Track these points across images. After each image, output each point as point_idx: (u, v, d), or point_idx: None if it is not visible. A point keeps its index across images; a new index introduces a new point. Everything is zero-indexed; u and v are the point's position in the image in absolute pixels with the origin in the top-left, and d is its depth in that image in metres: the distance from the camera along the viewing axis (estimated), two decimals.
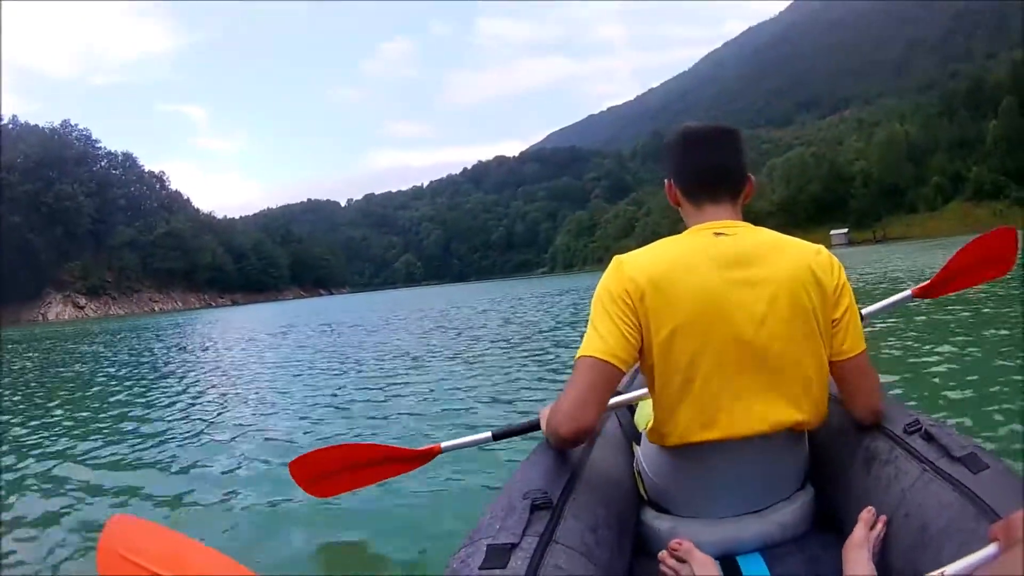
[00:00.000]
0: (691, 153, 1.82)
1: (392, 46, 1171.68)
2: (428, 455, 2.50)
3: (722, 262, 1.64)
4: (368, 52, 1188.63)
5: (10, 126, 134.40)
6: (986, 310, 8.76)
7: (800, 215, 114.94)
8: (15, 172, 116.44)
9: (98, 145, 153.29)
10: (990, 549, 1.01)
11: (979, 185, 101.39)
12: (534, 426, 2.25)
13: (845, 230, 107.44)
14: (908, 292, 2.66)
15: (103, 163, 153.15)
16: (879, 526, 1.55)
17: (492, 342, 11.53)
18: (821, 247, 1.74)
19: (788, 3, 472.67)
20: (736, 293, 1.61)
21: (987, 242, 2.68)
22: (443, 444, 2.49)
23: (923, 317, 8.50)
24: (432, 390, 7.29)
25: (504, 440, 2.47)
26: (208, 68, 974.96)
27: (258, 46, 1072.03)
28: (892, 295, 2.67)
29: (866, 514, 1.57)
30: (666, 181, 1.89)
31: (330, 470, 2.51)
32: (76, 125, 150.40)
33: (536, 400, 6.12)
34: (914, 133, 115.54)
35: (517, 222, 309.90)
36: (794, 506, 1.77)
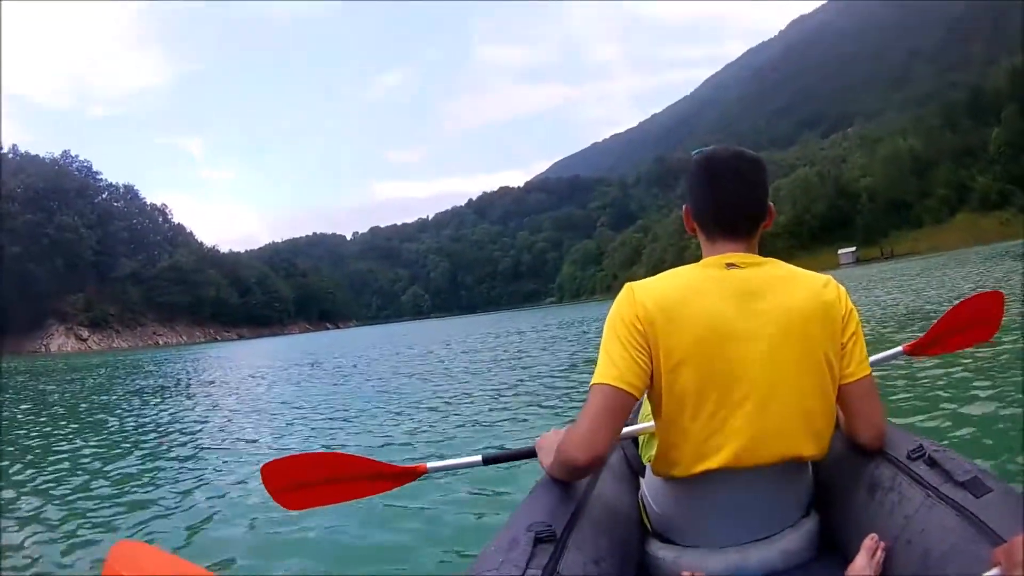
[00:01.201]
0: (712, 187, 1.79)
1: (389, 76, 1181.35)
2: (413, 474, 2.35)
3: (732, 293, 1.66)
4: (365, 83, 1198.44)
5: (10, 155, 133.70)
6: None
7: (806, 236, 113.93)
8: (15, 202, 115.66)
9: (99, 177, 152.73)
10: (992, 573, 1.01)
11: (985, 195, 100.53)
12: (528, 453, 2.21)
13: (853, 248, 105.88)
14: (900, 349, 2.68)
15: (104, 195, 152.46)
16: (879, 553, 1.56)
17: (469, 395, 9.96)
18: (829, 279, 1.75)
19: (788, 20, 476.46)
20: (745, 324, 1.63)
21: (975, 304, 2.70)
22: (429, 464, 2.35)
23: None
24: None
25: (494, 465, 2.39)
26: (206, 100, 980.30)
27: (254, 78, 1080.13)
28: (883, 350, 2.69)
29: (869, 541, 1.58)
30: (684, 207, 1.87)
31: (305, 480, 2.30)
32: (76, 156, 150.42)
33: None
34: (917, 146, 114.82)
35: (523, 252, 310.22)
36: (798, 533, 1.78)
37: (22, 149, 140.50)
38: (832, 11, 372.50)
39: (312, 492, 2.30)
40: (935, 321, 2.62)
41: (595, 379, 1.67)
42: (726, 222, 1.77)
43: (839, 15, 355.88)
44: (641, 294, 1.68)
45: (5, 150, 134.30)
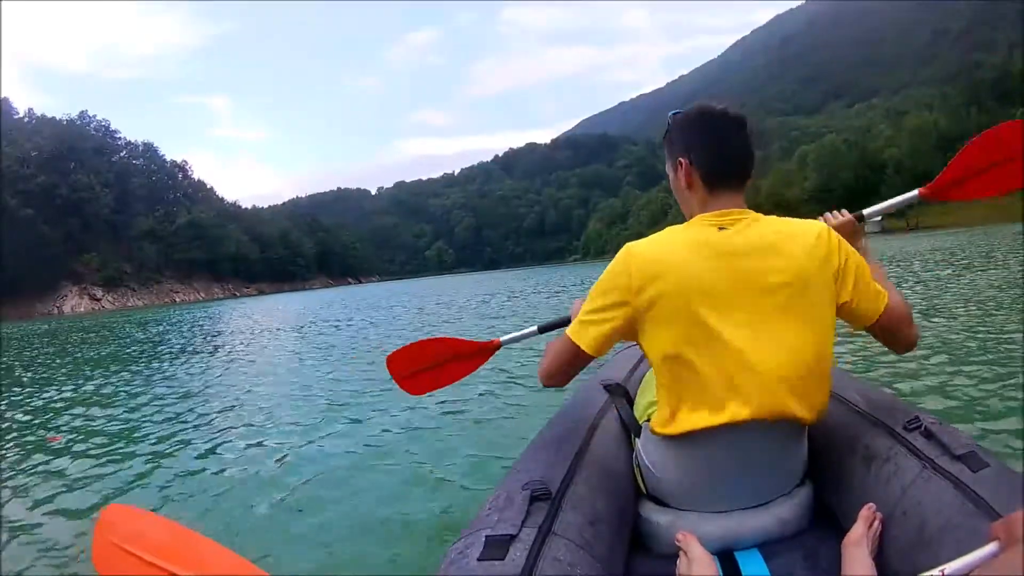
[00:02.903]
0: (718, 139, 1.81)
1: (417, 35, 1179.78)
2: (491, 348, 2.72)
3: (727, 254, 1.67)
4: (392, 41, 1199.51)
5: (26, 119, 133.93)
6: (987, 309, 8.52)
7: (832, 203, 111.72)
8: (30, 164, 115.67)
9: (117, 135, 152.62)
10: (990, 548, 1.00)
11: None
12: (566, 321, 2.35)
13: (879, 218, 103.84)
14: (915, 192, 2.43)
15: (123, 153, 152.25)
16: (876, 523, 1.56)
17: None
18: (821, 229, 1.74)
19: None
20: (740, 284, 1.64)
21: (995, 137, 2.38)
22: (502, 339, 2.68)
23: (921, 319, 8.20)
24: None
25: (549, 332, 2.58)
26: (230, 59, 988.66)
27: (281, 37, 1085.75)
28: (897, 195, 2.47)
29: (866, 511, 1.58)
30: (681, 160, 1.85)
31: (419, 366, 2.71)
32: (94, 116, 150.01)
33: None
34: (943, 121, 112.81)
35: (549, 209, 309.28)
36: (793, 502, 1.77)
37: (38, 112, 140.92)
38: None
39: (425, 377, 2.69)
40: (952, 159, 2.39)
41: (568, 330, 1.78)
42: (729, 173, 1.80)
43: None
44: (636, 258, 1.69)
45: (21, 115, 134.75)
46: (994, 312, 8.21)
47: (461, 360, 2.69)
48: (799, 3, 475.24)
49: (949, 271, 15.42)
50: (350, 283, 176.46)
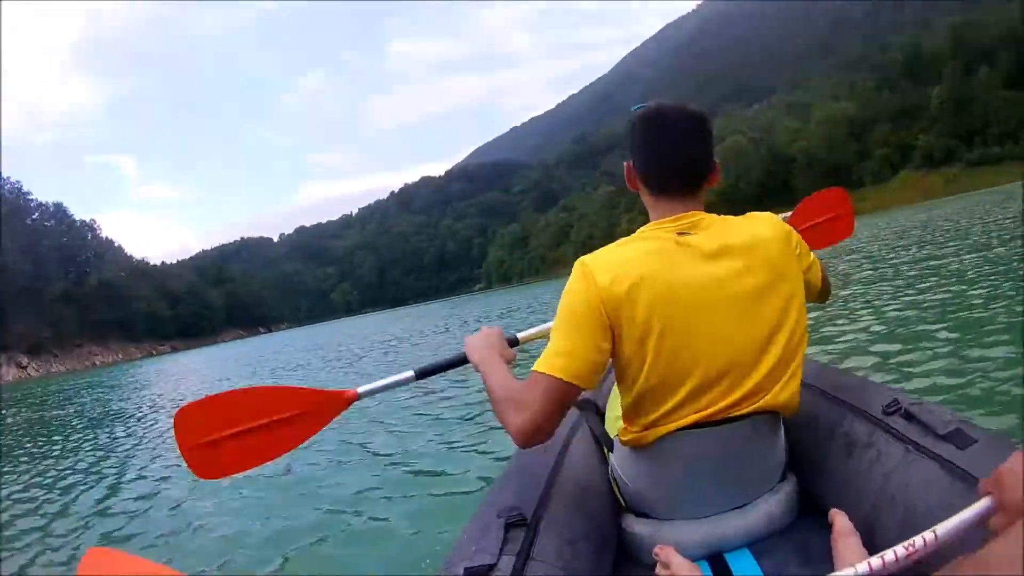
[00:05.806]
0: (657, 139, 1.68)
1: (307, 80, 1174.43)
2: (343, 401, 2.11)
3: (692, 260, 1.57)
4: (285, 88, 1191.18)
5: None
6: (970, 290, 7.98)
7: (742, 202, 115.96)
8: None
9: (29, 196, 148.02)
10: (983, 503, 0.98)
11: (928, 152, 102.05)
12: (459, 360, 2.11)
13: (790, 213, 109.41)
14: None
15: (35, 216, 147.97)
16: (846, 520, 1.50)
17: None
18: (775, 222, 1.70)
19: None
20: (709, 289, 1.56)
21: (822, 200, 2.75)
22: (360, 389, 2.11)
23: (912, 296, 8.48)
24: None
25: (428, 378, 2.21)
26: (133, 119, 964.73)
27: (178, 96, 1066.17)
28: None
29: (835, 512, 1.52)
30: (626, 163, 1.78)
31: (228, 429, 1.94)
32: (8, 178, 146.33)
33: None
34: (852, 109, 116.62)
35: (448, 241, 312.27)
36: (777, 497, 1.71)
37: None
38: None
39: (236, 446, 1.95)
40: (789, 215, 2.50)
41: (544, 368, 1.55)
42: (672, 178, 1.67)
43: None
44: (601, 275, 1.55)
45: None
46: (956, 286, 8.29)
47: (294, 423, 1.99)
48: (691, 8, 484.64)
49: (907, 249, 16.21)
50: (261, 332, 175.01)
